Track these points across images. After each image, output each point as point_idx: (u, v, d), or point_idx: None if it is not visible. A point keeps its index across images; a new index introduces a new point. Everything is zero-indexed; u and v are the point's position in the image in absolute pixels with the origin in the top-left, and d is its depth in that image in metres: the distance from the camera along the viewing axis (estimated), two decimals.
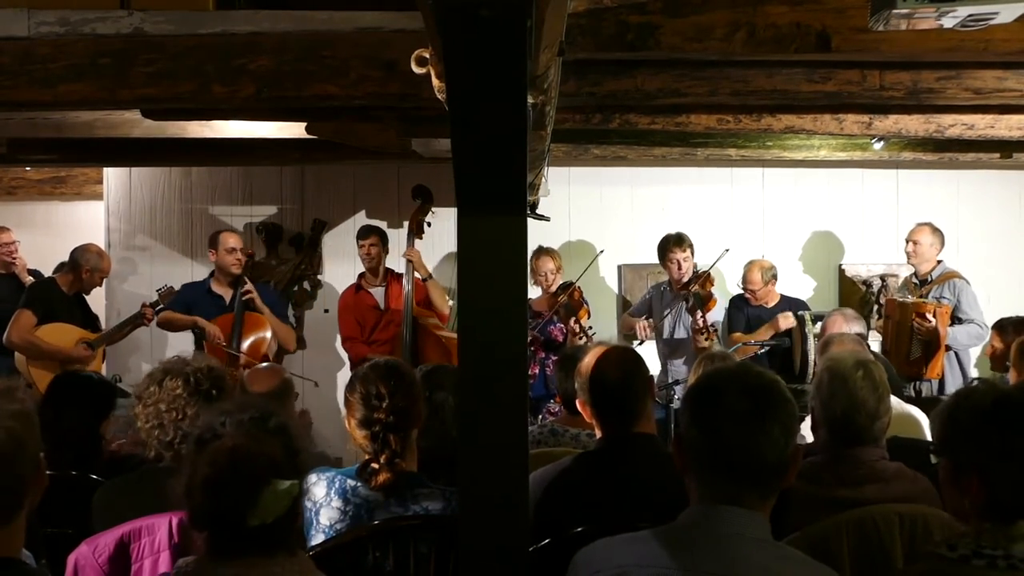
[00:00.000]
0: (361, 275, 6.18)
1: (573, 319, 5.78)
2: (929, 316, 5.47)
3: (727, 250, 6.04)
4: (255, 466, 1.82)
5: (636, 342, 6.00)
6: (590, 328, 5.78)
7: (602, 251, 6.39)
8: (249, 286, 5.81)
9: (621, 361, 2.66)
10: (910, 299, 5.65)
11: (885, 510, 2.38)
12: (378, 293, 6.09)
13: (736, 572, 1.68)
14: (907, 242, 5.99)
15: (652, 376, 2.81)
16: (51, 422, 3.24)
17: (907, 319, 5.56)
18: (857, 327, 4.68)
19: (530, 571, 1.91)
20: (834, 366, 2.64)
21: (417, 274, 5.87)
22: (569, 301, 5.84)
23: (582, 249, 6.98)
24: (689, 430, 1.79)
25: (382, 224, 6.58)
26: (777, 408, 1.75)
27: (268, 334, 5.80)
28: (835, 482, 2.53)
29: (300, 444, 1.97)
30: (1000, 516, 1.69)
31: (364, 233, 6.09)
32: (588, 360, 2.71)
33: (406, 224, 6.20)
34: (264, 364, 4.88)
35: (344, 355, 6.40)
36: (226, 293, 5.89)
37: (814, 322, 5.59)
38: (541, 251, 6.22)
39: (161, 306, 5.91)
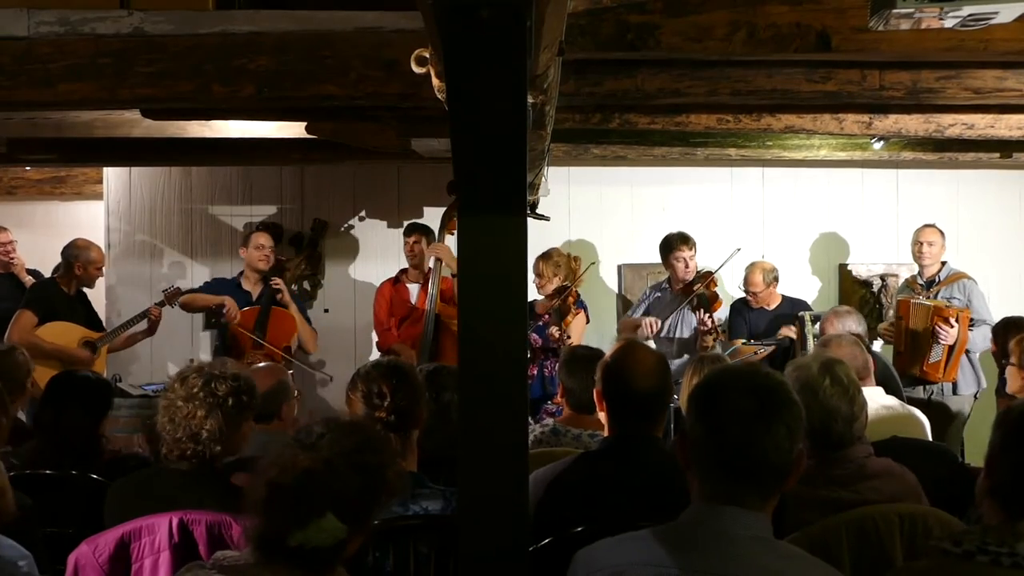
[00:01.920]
0: (403, 270, 6.23)
1: (557, 326, 5.77)
2: (952, 321, 5.39)
3: (738, 249, 6.03)
4: (319, 497, 1.78)
5: (644, 339, 5.98)
6: (568, 337, 5.75)
7: (592, 264, 6.40)
8: (279, 282, 5.95)
9: (655, 368, 2.62)
10: (929, 302, 5.55)
11: (885, 510, 2.39)
12: (414, 289, 6.15)
13: (737, 571, 1.68)
14: (919, 244, 5.89)
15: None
16: (50, 422, 3.25)
17: (927, 323, 5.49)
18: (850, 322, 4.69)
19: (530, 571, 1.91)
20: (801, 376, 2.63)
21: (447, 270, 5.89)
22: (560, 306, 5.84)
23: (582, 249, 6.98)
24: (694, 428, 1.79)
25: (382, 224, 6.59)
26: (783, 409, 1.75)
27: (294, 323, 5.94)
28: (827, 483, 2.54)
29: (380, 500, 1.88)
30: (1004, 506, 1.71)
31: (409, 230, 6.17)
32: (619, 357, 2.66)
33: (407, 224, 6.21)
34: (263, 364, 4.88)
35: (343, 357, 6.41)
36: (254, 290, 6.03)
37: (814, 322, 5.58)
38: (540, 256, 6.17)
39: (166, 306, 5.94)
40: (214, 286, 6.13)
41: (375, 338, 6.36)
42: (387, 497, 1.92)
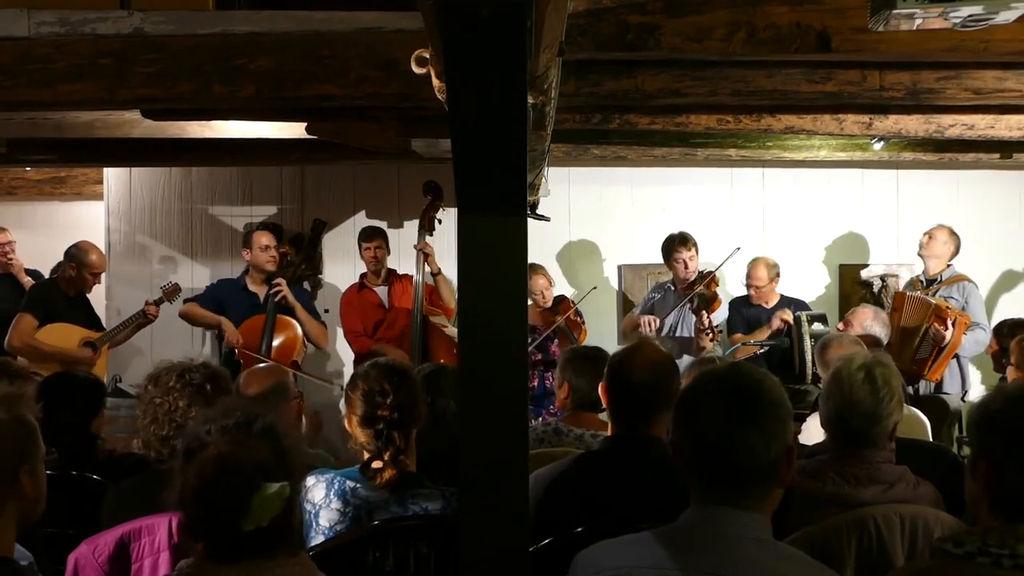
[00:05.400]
0: (363, 275, 6.19)
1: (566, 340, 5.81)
2: (949, 322, 5.37)
3: (738, 248, 6.04)
4: (242, 473, 1.81)
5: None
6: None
7: (595, 287, 6.42)
8: (280, 283, 5.89)
9: (656, 363, 2.62)
10: (931, 300, 5.53)
11: (886, 511, 2.38)
12: (381, 292, 6.12)
13: (736, 572, 1.68)
14: (924, 236, 5.94)
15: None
16: (41, 423, 3.24)
17: (923, 319, 5.48)
18: (877, 328, 4.72)
19: (531, 571, 1.91)
20: (841, 366, 2.62)
21: (428, 268, 5.87)
22: (567, 324, 5.86)
23: (582, 250, 6.98)
24: (676, 431, 1.81)
25: (382, 224, 6.58)
26: (757, 410, 1.74)
27: (299, 334, 5.89)
28: (837, 481, 2.53)
29: (288, 443, 1.94)
30: (1009, 511, 1.70)
31: (369, 235, 6.10)
32: (625, 352, 2.67)
33: (406, 224, 6.20)
34: (262, 365, 4.87)
35: (342, 356, 6.40)
36: (260, 291, 5.99)
37: (811, 322, 5.59)
38: (531, 268, 6.17)
39: (165, 303, 5.93)
40: (219, 288, 6.11)
41: (342, 353, 6.34)
42: (295, 440, 1.99)
